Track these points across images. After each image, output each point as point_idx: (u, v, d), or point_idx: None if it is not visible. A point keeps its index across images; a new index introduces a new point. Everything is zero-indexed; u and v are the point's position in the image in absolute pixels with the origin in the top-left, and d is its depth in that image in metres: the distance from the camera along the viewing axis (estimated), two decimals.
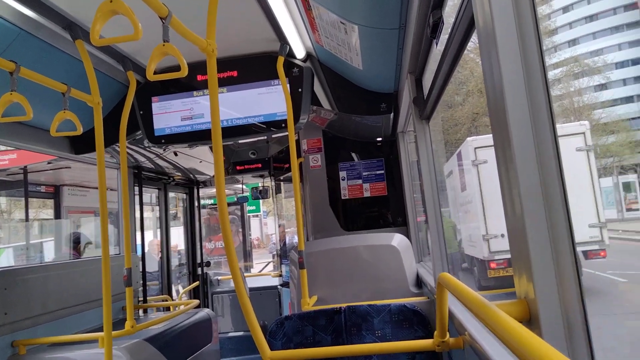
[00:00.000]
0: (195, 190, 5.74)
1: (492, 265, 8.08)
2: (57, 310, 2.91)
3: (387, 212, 3.88)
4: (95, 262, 3.32)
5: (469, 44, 1.51)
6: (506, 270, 7.91)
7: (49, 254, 7.68)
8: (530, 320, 0.88)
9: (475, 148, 8.48)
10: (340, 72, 3.03)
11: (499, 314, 0.84)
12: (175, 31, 1.54)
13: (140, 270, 4.04)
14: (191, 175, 5.49)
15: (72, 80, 2.32)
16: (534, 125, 0.89)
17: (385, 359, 2.17)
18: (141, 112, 3.03)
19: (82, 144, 3.26)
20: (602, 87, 35.34)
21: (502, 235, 7.85)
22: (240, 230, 8.61)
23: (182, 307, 3.46)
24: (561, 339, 0.83)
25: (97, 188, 2.34)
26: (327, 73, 3.04)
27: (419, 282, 2.71)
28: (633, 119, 32.58)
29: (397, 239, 2.74)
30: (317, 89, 3.04)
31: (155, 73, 1.62)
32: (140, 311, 3.93)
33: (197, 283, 5.49)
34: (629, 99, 36.04)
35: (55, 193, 7.93)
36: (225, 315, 5.71)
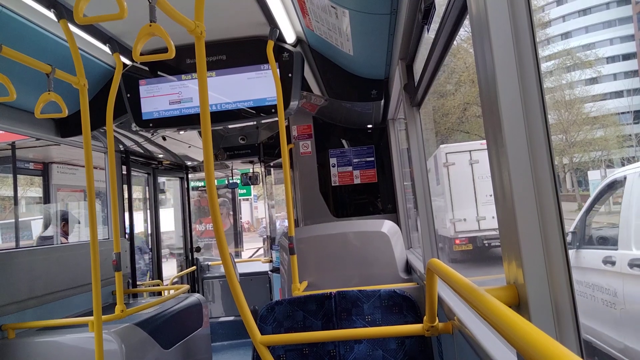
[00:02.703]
0: (185, 176, 5.70)
1: (457, 241, 10.43)
2: (46, 295, 2.89)
3: (377, 199, 3.89)
4: (83, 247, 3.30)
5: (463, 33, 1.50)
6: (466, 245, 10.36)
7: (37, 232, 7.60)
8: (519, 305, 0.89)
9: (446, 153, 10.69)
10: (331, 58, 3.00)
11: (488, 299, 0.85)
12: (163, 12, 1.51)
13: (129, 255, 4.02)
14: (180, 161, 5.44)
15: (57, 61, 2.27)
16: (525, 113, 0.89)
17: (375, 344, 2.19)
18: (128, 95, 2.98)
19: (68, 127, 3.21)
20: (593, 81, 35.55)
21: (464, 219, 10.40)
22: (231, 213, 8.59)
23: (172, 292, 3.46)
24: (550, 324, 0.84)
25: None
26: (318, 58, 3.01)
27: (409, 268, 2.73)
28: (622, 113, 32.87)
29: (387, 226, 2.76)
30: (308, 74, 3.02)
31: (142, 55, 1.59)
32: (130, 296, 3.92)
33: (193, 268, 5.47)
34: (618, 94, 36.44)
35: (44, 170, 7.83)
36: (216, 300, 5.73)
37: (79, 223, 6.40)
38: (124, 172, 4.12)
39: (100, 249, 2.44)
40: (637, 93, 33.65)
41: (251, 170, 6.47)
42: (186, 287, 3.52)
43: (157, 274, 4.85)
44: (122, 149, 4.08)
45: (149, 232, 5.22)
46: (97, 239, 2.28)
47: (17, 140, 6.30)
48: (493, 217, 9.98)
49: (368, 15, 2.10)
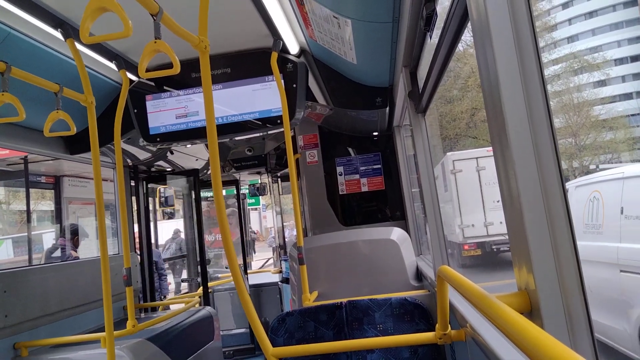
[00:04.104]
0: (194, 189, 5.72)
1: (466, 247, 10.74)
2: (58, 312, 2.91)
3: (385, 206, 3.88)
4: (94, 263, 3.32)
5: (469, 38, 1.51)
6: (475, 251, 10.67)
7: (48, 246, 7.67)
8: (531, 311, 0.88)
9: (454, 160, 11.04)
10: (335, 67, 3.02)
11: (499, 306, 0.84)
12: (167, 28, 1.53)
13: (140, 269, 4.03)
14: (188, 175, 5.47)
15: (65, 80, 2.30)
16: (530, 117, 0.88)
17: (387, 353, 2.17)
18: (135, 111, 3.01)
19: (76, 144, 3.25)
20: (601, 83, 35.36)
21: (473, 225, 10.66)
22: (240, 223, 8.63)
23: (182, 305, 3.46)
24: (563, 330, 0.83)
25: None
26: (322, 68, 3.02)
27: (419, 275, 2.71)
28: (632, 115, 32.55)
29: (396, 233, 2.74)
30: (312, 84, 3.03)
31: (147, 71, 1.61)
32: (142, 311, 3.93)
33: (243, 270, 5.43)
34: (628, 96, 36.12)
35: (55, 184, 7.91)
36: (227, 312, 5.71)
37: (88, 237, 6.44)
38: (140, 185, 4.15)
39: (111, 264, 2.45)
40: None
41: (259, 181, 6.49)
42: (196, 299, 3.52)
43: (203, 282, 4.67)
44: (130, 163, 4.11)
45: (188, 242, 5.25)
46: (108, 255, 2.29)
47: (28, 154, 6.38)
48: (501, 223, 10.07)
49: (370, 24, 2.11)
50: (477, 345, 1.37)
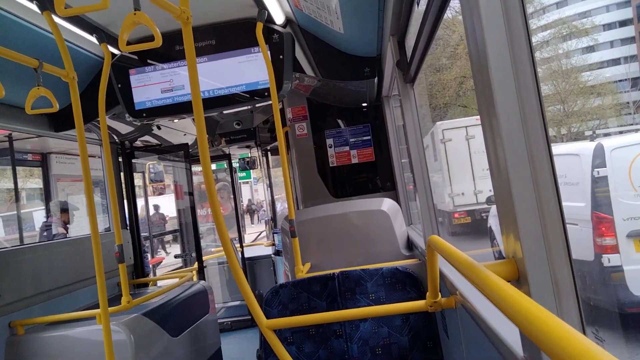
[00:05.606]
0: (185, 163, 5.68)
1: (456, 215, 10.83)
2: (51, 290, 2.92)
3: (376, 177, 3.88)
4: (86, 240, 3.31)
5: (457, 5, 1.47)
6: (465, 219, 10.73)
7: (39, 223, 7.66)
8: (519, 279, 0.89)
9: (443, 130, 11.04)
10: (322, 37, 2.96)
11: (487, 274, 0.85)
12: None
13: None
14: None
15: (45, 55, 2.23)
16: (517, 85, 0.87)
17: (380, 321, 2.22)
18: (119, 86, 2.95)
19: (61, 121, 3.19)
20: (590, 49, 35.19)
21: (462, 194, 10.78)
22: (232, 196, 8.64)
23: (177, 280, 3.48)
24: (550, 297, 0.84)
25: None
26: (308, 38, 2.97)
27: (410, 245, 2.74)
28: (620, 81, 32.54)
29: (387, 204, 2.76)
30: (299, 55, 2.98)
31: (129, 44, 1.57)
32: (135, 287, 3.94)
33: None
34: (616, 61, 36.06)
35: (42, 161, 7.81)
36: (224, 286, 5.78)
37: (78, 209, 6.41)
38: (126, 162, 4.10)
39: (103, 241, 2.44)
40: (634, 60, 33.32)
41: (249, 155, 6.46)
42: (190, 274, 3.54)
43: (198, 257, 4.63)
44: (117, 140, 4.06)
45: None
46: (98, 232, 2.28)
47: (12, 132, 6.26)
48: (490, 190, 10.13)
49: None
50: (467, 312, 1.40)
